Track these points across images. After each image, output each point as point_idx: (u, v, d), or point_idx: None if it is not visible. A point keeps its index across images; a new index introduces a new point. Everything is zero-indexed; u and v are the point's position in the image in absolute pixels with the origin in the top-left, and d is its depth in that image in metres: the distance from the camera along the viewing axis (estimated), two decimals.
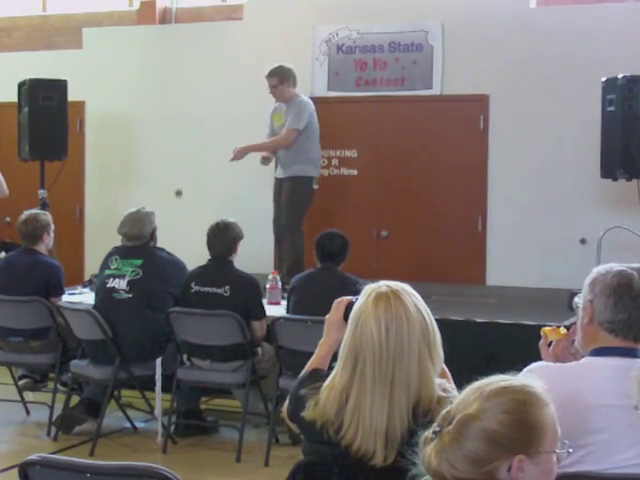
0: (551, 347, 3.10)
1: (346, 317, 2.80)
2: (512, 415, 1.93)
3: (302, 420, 2.74)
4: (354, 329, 2.66)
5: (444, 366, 2.77)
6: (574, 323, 2.93)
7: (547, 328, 3.16)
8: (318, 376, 2.78)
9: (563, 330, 3.10)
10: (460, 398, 2.00)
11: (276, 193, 7.98)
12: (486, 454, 1.91)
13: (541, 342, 3.13)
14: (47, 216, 6.74)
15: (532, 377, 2.11)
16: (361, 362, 2.62)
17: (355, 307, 2.71)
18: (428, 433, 1.98)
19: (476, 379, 2.03)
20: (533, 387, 1.99)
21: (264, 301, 6.17)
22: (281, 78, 7.82)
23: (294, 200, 7.76)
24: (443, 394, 2.62)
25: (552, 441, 1.97)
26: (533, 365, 2.79)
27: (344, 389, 2.64)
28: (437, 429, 1.96)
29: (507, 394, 1.96)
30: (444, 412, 2.00)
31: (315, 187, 7.92)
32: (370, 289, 2.71)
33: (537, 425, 1.95)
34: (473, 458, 1.91)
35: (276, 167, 8.02)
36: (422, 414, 2.57)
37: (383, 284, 2.71)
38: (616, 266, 2.81)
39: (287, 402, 2.86)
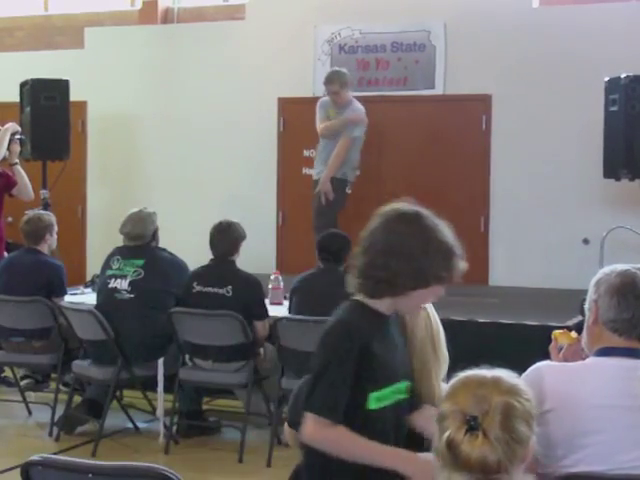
0: (562, 351, 3.08)
1: None
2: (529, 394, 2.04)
3: None
4: None
5: None
6: (579, 323, 2.92)
7: (557, 331, 3.13)
8: None
9: (574, 334, 3.07)
10: (464, 396, 1.99)
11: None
12: (529, 434, 1.99)
13: (551, 345, 3.12)
14: (51, 217, 6.74)
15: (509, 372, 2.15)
16: None
17: None
18: (455, 435, 1.95)
19: None
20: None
21: (266, 301, 6.16)
22: (341, 83, 7.96)
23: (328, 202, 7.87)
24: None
25: None
26: (537, 364, 2.78)
27: None
28: (471, 424, 1.95)
29: (514, 381, 2.04)
30: (449, 410, 1.99)
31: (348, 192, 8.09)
32: None
33: None
34: (523, 441, 1.98)
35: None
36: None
37: None
38: (620, 266, 2.80)
39: (291, 409, 2.85)
